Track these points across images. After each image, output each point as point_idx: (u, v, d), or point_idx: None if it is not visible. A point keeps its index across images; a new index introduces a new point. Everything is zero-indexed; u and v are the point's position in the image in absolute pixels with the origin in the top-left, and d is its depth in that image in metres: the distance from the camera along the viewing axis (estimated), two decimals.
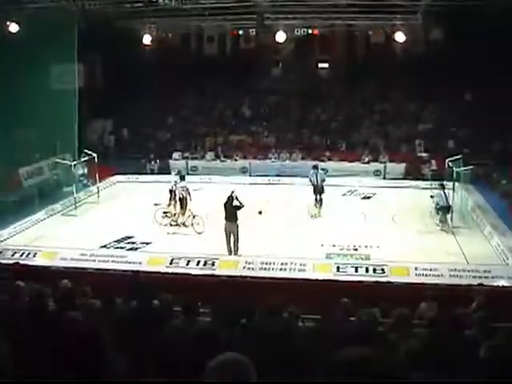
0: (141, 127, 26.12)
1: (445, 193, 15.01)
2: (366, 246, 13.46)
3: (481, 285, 9.81)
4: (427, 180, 20.08)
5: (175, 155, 23.90)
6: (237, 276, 11.06)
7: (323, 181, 16.64)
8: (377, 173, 22.24)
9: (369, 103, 25.71)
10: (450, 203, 14.94)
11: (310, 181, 16.65)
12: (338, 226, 15.40)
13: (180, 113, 27.06)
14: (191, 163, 23.59)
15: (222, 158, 23.82)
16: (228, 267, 11.71)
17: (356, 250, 13.27)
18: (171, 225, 15.33)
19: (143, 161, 23.68)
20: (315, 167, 16.96)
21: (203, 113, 26.69)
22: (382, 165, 22.31)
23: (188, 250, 12.86)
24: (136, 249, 13.62)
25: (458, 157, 16.76)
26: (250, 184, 21.81)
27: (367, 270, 11.40)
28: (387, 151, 22.76)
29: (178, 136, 25.58)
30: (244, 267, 11.62)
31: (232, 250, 12.54)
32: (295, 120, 25.82)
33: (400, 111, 25.00)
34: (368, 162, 22.59)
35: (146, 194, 19.50)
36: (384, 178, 22.00)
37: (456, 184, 16.64)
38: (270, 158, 23.53)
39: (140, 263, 11.99)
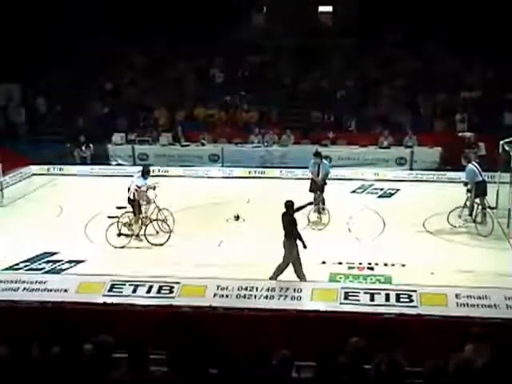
0: (64, 96, 25.85)
1: (476, 166, 15.76)
2: (385, 264, 13.49)
3: None
4: None
5: (116, 138, 23.80)
6: (205, 307, 10.99)
7: (327, 175, 16.73)
8: (401, 161, 22.45)
9: (390, 62, 25.84)
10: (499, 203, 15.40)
11: (312, 174, 16.78)
12: (345, 235, 15.45)
13: (122, 76, 26.88)
14: (139, 149, 23.55)
15: (183, 142, 23.78)
16: (192, 294, 11.59)
17: (372, 269, 13.31)
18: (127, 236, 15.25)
19: (70, 145, 23.53)
20: (317, 155, 17.02)
21: (156, 76, 26.55)
22: (408, 150, 22.54)
23: (137, 271, 12.80)
24: (61, 270, 13.47)
25: None
26: (223, 178, 21.87)
27: (388, 298, 11.37)
28: (415, 131, 22.99)
29: (120, 110, 25.45)
30: (215, 295, 11.50)
31: (299, 276, 12.43)
32: (286, 88, 25.86)
33: (434, 73, 25.17)
34: (388, 147, 22.78)
35: (75, 193, 19.35)
36: (411, 169, 22.22)
37: None
38: (252, 142, 23.59)
39: (66, 291, 11.80)
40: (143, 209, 15.33)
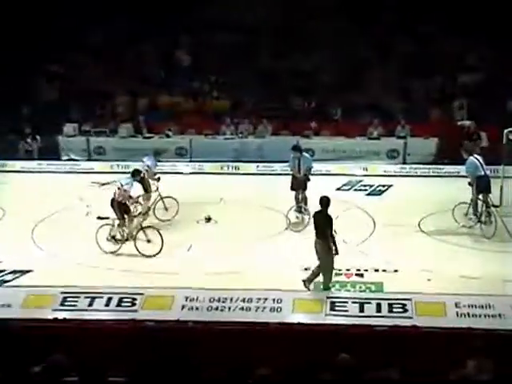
0: (5, 78, 25.48)
1: (478, 159, 15.85)
2: (376, 270, 13.54)
3: None
4: None
5: (68, 128, 23.63)
6: (171, 321, 10.98)
7: (309, 170, 16.74)
8: (392, 154, 22.56)
9: (380, 43, 25.87)
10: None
11: (292, 170, 16.79)
12: None
13: (73, 57, 26.59)
14: (95, 141, 23.41)
15: (146, 134, 23.69)
16: (157, 307, 11.61)
17: (361, 275, 13.34)
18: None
19: (13, 137, 23.30)
20: (296, 149, 17.04)
21: (113, 59, 26.36)
22: (401, 141, 22.66)
23: (94, 281, 12.71)
24: (2, 282, 13.30)
25: None
26: (192, 174, 21.77)
27: (379, 309, 11.47)
28: (409, 119, 23.11)
29: (72, 96, 25.22)
30: (183, 307, 11.52)
31: (306, 280, 12.49)
32: (263, 72, 25.80)
33: (429, 54, 25.19)
34: (378, 138, 22.89)
35: (19, 192, 19.15)
36: (404, 162, 22.35)
37: None
38: (224, 133, 23.56)
39: (9, 306, 11.74)
40: (132, 208, 15.23)
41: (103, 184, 19.71)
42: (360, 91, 24.71)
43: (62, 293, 11.96)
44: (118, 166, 21.95)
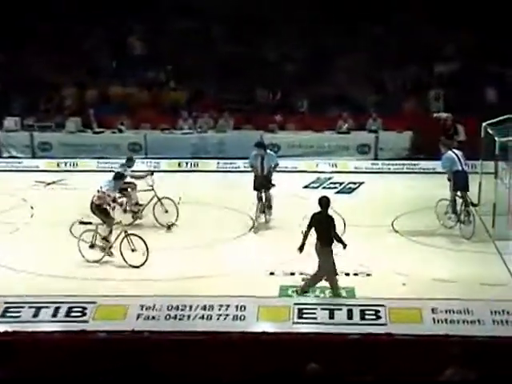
0: None
1: (456, 153, 16.02)
2: (347, 274, 13.56)
3: None
4: None
5: (8, 122, 23.47)
6: (126, 331, 10.93)
7: (274, 167, 16.77)
8: (363, 149, 22.74)
9: (351, 29, 25.96)
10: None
11: (252, 167, 16.81)
12: (297, 240, 15.45)
13: (16, 45, 26.30)
14: (39, 137, 23.27)
15: (96, 128, 23.56)
16: (110, 317, 11.50)
17: None
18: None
19: None
20: (260, 145, 17.07)
21: (60, 47, 26.11)
22: (372, 135, 22.84)
23: (39, 290, 12.55)
24: None
25: (504, 117, 17.12)
26: (147, 171, 21.63)
27: (350, 315, 11.49)
28: (381, 112, 23.30)
29: (13, 88, 24.97)
30: (139, 316, 11.43)
31: (335, 288, 12.47)
32: (223, 61, 25.78)
33: (403, 41, 25.40)
34: (348, 132, 23.02)
35: None
36: (376, 158, 22.55)
37: (501, 165, 17.16)
38: (181, 128, 23.53)
39: None
40: (114, 214, 14.93)
41: (49, 183, 19.54)
42: (328, 82, 24.78)
43: (4, 303, 11.79)
44: (65, 163, 21.77)
